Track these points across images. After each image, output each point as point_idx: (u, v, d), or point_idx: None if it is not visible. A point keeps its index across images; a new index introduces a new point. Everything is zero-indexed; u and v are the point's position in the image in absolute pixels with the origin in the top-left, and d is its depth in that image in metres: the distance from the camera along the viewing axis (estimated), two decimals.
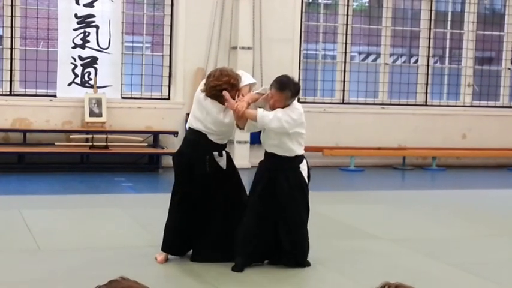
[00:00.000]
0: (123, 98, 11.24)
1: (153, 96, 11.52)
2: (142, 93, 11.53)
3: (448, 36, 13.41)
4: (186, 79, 11.39)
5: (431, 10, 12.81)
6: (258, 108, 5.30)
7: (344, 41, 12.35)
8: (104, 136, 10.66)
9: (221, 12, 11.39)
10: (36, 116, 10.78)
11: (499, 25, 13.52)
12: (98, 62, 10.99)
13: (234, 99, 5.27)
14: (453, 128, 12.87)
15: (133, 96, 11.44)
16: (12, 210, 7.31)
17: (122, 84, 11.26)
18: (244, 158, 10.95)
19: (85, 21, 10.92)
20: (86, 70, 10.96)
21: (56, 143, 10.67)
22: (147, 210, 7.56)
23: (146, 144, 11.17)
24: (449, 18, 13.31)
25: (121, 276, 2.00)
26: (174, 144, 10.57)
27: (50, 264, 5.38)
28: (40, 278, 5.05)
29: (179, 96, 11.42)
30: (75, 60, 10.90)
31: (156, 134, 11.22)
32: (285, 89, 5.26)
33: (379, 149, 12.34)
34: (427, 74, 12.92)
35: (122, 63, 11.25)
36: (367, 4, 13.88)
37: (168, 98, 11.51)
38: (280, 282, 5.17)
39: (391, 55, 13.17)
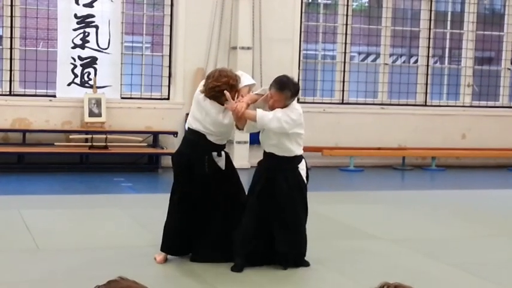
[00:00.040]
0: (122, 98, 11.24)
1: (152, 97, 11.52)
2: (142, 94, 11.53)
3: (448, 36, 13.41)
4: (185, 79, 11.39)
5: (431, 10, 12.81)
6: (257, 109, 5.30)
7: (344, 41, 12.35)
8: (104, 136, 10.66)
9: (221, 12, 11.40)
10: (35, 116, 10.78)
11: (499, 25, 13.52)
12: (97, 62, 10.99)
13: (233, 100, 5.27)
14: (453, 128, 12.87)
15: (133, 96, 11.44)
16: (11, 210, 7.31)
17: (121, 85, 11.26)
18: (244, 158, 10.96)
19: (85, 21, 10.92)
20: (86, 70, 10.96)
21: (55, 143, 10.67)
22: (147, 210, 7.56)
23: (146, 144, 11.17)
24: (449, 18, 13.31)
25: (120, 276, 2.00)
26: (173, 145, 10.57)
27: (50, 264, 5.38)
28: (40, 278, 5.05)
29: (179, 96, 11.42)
30: (74, 60, 10.90)
31: (155, 134, 11.23)
32: (285, 89, 5.26)
33: (378, 149, 12.34)
34: (427, 74, 12.92)
35: (121, 64, 11.25)
36: (366, 4, 13.88)
37: (168, 98, 11.51)
38: (280, 282, 5.17)
39: (390, 55, 13.17)
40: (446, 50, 13.53)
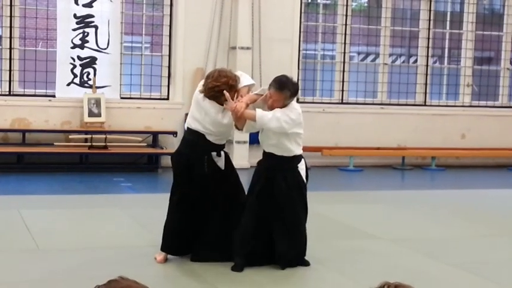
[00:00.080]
0: (122, 98, 11.24)
1: (152, 97, 11.52)
2: (142, 94, 11.53)
3: (447, 36, 13.42)
4: (185, 79, 11.39)
5: (430, 10, 12.82)
6: (257, 109, 5.30)
7: (343, 41, 12.36)
8: (103, 136, 10.66)
9: (220, 12, 11.40)
10: (35, 116, 10.78)
11: (498, 25, 13.52)
12: (97, 62, 10.99)
13: (232, 100, 5.27)
14: (452, 128, 12.88)
15: (132, 96, 11.44)
16: (11, 210, 7.31)
17: (121, 85, 11.26)
18: (244, 158, 10.96)
19: (84, 22, 10.92)
20: (85, 70, 10.96)
21: (55, 143, 10.67)
22: (147, 210, 7.56)
23: (145, 144, 11.17)
24: (448, 18, 13.31)
25: (120, 276, 2.00)
26: (173, 144, 10.57)
27: (49, 264, 5.38)
28: (39, 278, 5.05)
29: (178, 96, 11.42)
30: (74, 60, 10.90)
31: (155, 134, 11.22)
32: (284, 89, 5.26)
33: (378, 149, 12.35)
34: (426, 74, 12.93)
35: (121, 64, 11.25)
36: (366, 4, 13.88)
37: (167, 98, 11.51)
38: (280, 282, 5.17)
39: (390, 55, 13.17)
40: (446, 50, 13.54)
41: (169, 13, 11.42)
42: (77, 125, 10.92)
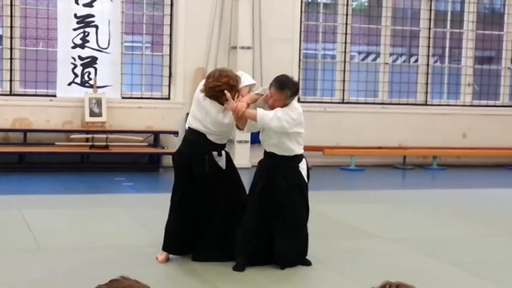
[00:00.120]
0: (123, 97, 11.25)
1: (153, 96, 11.52)
2: (143, 93, 11.54)
3: (448, 36, 13.41)
4: (186, 79, 11.39)
5: (430, 9, 12.82)
6: (258, 108, 5.31)
7: (344, 41, 12.36)
8: (104, 136, 10.67)
9: (221, 12, 11.40)
10: (36, 116, 10.79)
11: (499, 24, 13.53)
12: (97, 61, 11.00)
13: (233, 100, 5.28)
14: (453, 127, 12.88)
15: (133, 96, 11.45)
16: (12, 210, 7.32)
17: (121, 84, 11.27)
18: (245, 158, 10.97)
19: (84, 21, 10.93)
20: (86, 70, 10.97)
21: (56, 143, 10.68)
22: (148, 209, 7.57)
23: (146, 144, 11.18)
24: (449, 18, 13.32)
25: (122, 276, 2.01)
26: (174, 144, 10.58)
27: (51, 264, 5.38)
28: (40, 277, 5.06)
29: (179, 96, 11.43)
30: (75, 60, 10.91)
31: (156, 134, 11.23)
32: (285, 89, 5.26)
33: (379, 148, 12.35)
34: (427, 74, 12.93)
35: (121, 63, 11.26)
36: (366, 3, 13.88)
37: (168, 98, 11.52)
38: (280, 282, 5.17)
39: (390, 54, 13.17)
40: (447, 49, 13.54)
41: (169, 13, 11.42)
42: (78, 125, 10.93)
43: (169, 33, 11.46)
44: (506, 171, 12.64)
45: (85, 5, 10.89)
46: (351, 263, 5.70)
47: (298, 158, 5.42)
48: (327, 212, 7.62)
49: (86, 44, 10.94)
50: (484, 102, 13.34)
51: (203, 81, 5.51)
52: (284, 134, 5.28)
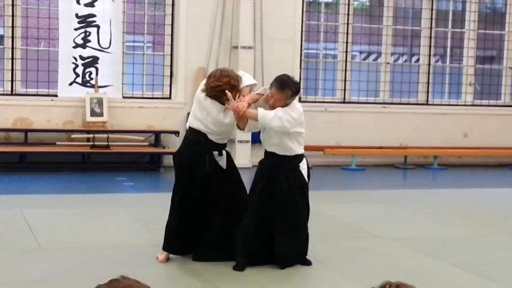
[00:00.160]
0: (124, 97, 11.25)
1: (154, 96, 11.53)
2: (144, 93, 11.54)
3: (449, 35, 13.41)
4: (187, 78, 11.40)
5: (432, 9, 12.82)
6: (259, 108, 5.31)
7: (345, 40, 12.36)
8: (105, 136, 10.67)
9: (222, 12, 11.40)
10: (37, 116, 10.79)
11: (500, 24, 13.52)
12: (99, 61, 11.00)
13: (234, 100, 5.28)
14: (454, 127, 12.87)
15: (134, 95, 11.45)
16: (13, 209, 7.32)
17: (123, 84, 11.27)
18: (246, 158, 10.97)
19: (86, 21, 10.93)
20: (87, 70, 10.97)
21: (57, 143, 10.68)
22: (148, 209, 7.57)
23: (147, 143, 11.18)
24: (450, 17, 13.31)
25: (122, 275, 2.01)
26: (175, 144, 10.57)
27: (51, 264, 5.39)
28: (41, 277, 5.06)
29: (180, 95, 11.43)
30: (76, 59, 10.92)
31: (157, 134, 11.23)
32: (286, 88, 5.26)
33: (380, 148, 12.35)
34: (428, 73, 12.92)
35: (123, 63, 11.26)
36: (368, 3, 13.87)
37: (169, 98, 11.53)
38: (280, 282, 5.17)
39: (392, 54, 13.17)
40: (448, 49, 13.54)
41: (171, 12, 11.43)
42: (79, 125, 10.93)
43: (170, 33, 11.46)
44: (508, 171, 12.63)
45: (86, 5, 10.90)
46: (351, 262, 5.70)
47: (299, 157, 5.42)
48: (328, 211, 7.62)
49: (87, 44, 10.95)
50: (485, 102, 13.33)
51: (204, 81, 5.51)
52: (285, 133, 5.28)
